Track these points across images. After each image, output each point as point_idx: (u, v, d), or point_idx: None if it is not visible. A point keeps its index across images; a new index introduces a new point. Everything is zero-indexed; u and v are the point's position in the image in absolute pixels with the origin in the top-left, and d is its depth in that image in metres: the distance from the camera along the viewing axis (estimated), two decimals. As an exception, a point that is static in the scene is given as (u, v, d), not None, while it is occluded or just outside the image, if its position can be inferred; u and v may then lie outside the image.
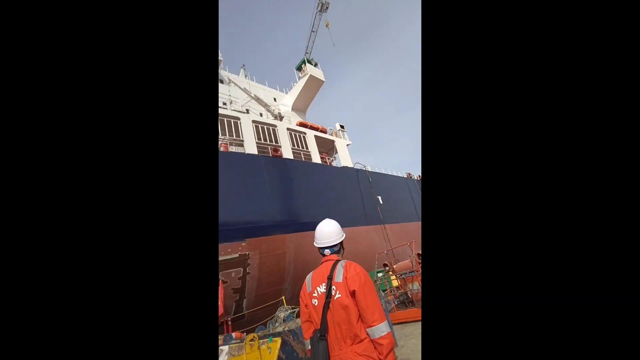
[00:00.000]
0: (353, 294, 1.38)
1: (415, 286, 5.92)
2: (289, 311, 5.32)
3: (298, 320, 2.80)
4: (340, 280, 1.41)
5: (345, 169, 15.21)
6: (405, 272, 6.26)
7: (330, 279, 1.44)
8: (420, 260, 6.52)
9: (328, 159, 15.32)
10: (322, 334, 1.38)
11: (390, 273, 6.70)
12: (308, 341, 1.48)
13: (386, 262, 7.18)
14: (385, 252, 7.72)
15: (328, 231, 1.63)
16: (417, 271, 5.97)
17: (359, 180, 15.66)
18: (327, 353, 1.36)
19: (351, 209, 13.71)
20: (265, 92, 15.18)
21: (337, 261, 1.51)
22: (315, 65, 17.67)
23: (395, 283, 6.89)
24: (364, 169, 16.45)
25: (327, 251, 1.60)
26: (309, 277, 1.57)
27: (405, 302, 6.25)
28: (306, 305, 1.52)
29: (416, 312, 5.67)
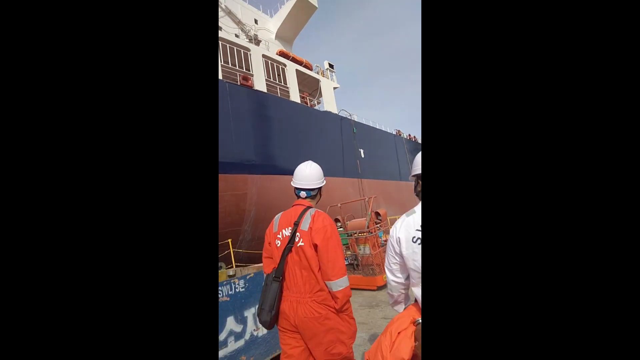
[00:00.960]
0: (316, 247, 1.34)
1: (367, 250, 4.96)
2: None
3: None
4: (306, 230, 1.37)
5: (328, 114, 13.77)
6: (356, 231, 5.27)
7: (296, 225, 1.39)
8: (377, 220, 5.56)
9: (310, 100, 13.71)
10: (277, 275, 1.37)
11: (342, 231, 5.65)
12: (266, 275, 1.49)
13: (338, 217, 6.03)
14: (339, 205, 6.54)
15: (309, 173, 1.54)
16: (371, 232, 5.03)
17: (342, 129, 14.40)
18: (278, 295, 1.35)
19: (329, 158, 12.67)
20: (244, 11, 12.73)
21: (308, 208, 1.45)
22: (309, -14, 14.92)
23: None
24: (349, 117, 15.06)
25: (302, 193, 1.53)
26: (277, 216, 1.52)
27: (353, 265, 5.35)
28: (269, 243, 1.51)
29: (360, 279, 4.74)
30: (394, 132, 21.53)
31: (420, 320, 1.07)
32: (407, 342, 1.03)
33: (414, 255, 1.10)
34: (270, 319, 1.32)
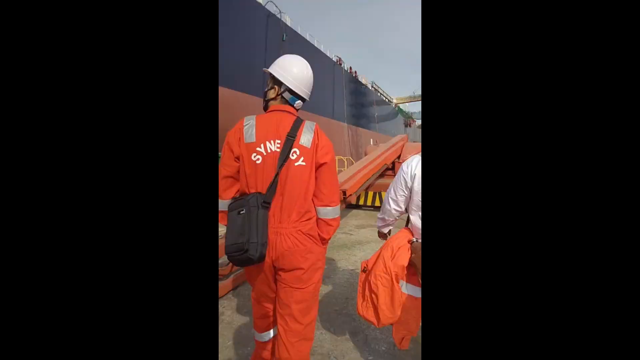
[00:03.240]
0: (319, 166, 1.12)
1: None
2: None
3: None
4: (308, 146, 1.10)
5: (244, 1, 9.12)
6: None
7: (292, 138, 1.09)
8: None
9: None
10: (266, 200, 1.08)
11: None
12: (226, 201, 1.13)
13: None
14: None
15: (310, 75, 1.19)
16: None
17: (268, 29, 10.10)
18: (267, 224, 1.07)
19: (243, 71, 8.61)
20: None
21: (301, 120, 1.14)
22: None
23: None
24: (278, 15, 10.69)
25: (299, 103, 1.17)
26: (249, 122, 1.11)
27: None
28: (237, 158, 1.11)
29: None
30: (335, 59, 17.90)
31: (415, 240, 1.40)
32: (406, 253, 1.38)
33: None
34: (264, 251, 1.07)
